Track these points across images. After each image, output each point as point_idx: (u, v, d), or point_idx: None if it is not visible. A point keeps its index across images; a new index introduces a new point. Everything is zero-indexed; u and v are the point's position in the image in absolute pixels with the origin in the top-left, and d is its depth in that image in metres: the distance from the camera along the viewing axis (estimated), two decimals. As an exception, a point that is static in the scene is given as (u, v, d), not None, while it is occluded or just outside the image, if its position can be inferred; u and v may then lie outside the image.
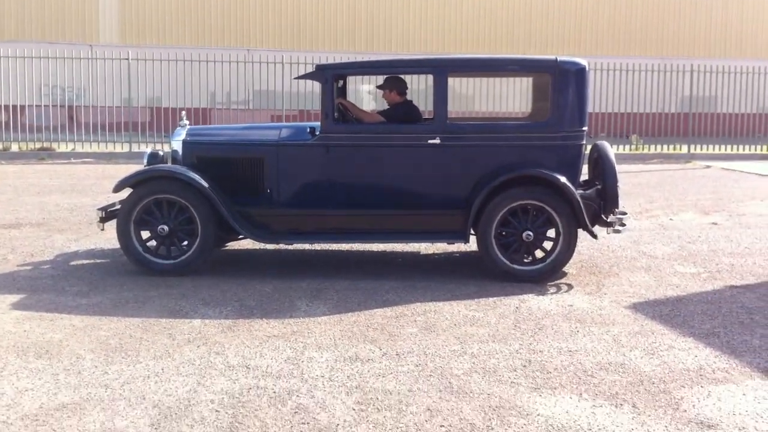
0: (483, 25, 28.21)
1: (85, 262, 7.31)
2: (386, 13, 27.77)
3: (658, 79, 22.10)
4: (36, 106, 20.26)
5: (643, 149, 21.24)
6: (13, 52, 20.20)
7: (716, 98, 22.59)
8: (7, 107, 20.26)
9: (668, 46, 28.77)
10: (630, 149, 21.11)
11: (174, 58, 20.28)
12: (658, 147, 21.44)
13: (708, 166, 18.40)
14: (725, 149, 21.37)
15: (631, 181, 14.63)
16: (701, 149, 21.31)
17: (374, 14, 27.72)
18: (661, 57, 26.37)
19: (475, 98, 22.81)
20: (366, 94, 22.49)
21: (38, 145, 19.47)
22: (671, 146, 21.58)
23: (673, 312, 5.77)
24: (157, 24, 26.83)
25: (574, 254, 7.18)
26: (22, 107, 20.44)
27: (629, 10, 28.77)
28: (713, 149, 21.37)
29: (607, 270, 7.12)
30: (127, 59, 20.03)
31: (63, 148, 19.55)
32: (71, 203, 10.91)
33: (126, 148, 19.78)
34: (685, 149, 21.25)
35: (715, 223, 9.75)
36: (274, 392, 4.12)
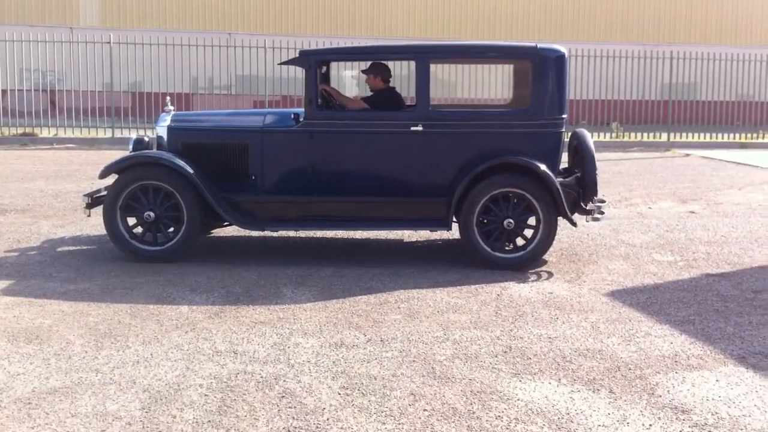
0: (466, 10, 28.28)
1: (71, 248, 7.37)
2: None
3: (639, 66, 22.29)
4: (18, 90, 20.16)
5: (623, 137, 21.43)
6: (-6, 35, 20.08)
7: (696, 85, 22.80)
8: (-13, 91, 20.16)
9: (649, 33, 28.95)
10: (610, 137, 21.29)
11: (156, 42, 20.21)
12: (639, 135, 21.65)
13: (687, 155, 18.62)
14: (705, 137, 21.60)
15: (611, 170, 14.80)
16: (681, 137, 21.52)
17: (357, -1, 27.71)
18: (642, 43, 26.53)
19: (458, 85, 22.90)
20: (349, 79, 22.52)
21: (20, 131, 19.39)
22: (651, 134, 21.79)
23: (650, 300, 5.91)
24: (138, 7, 26.69)
25: (555, 242, 7.31)
26: (3, 92, 20.33)
27: (610, -3, 28.91)
28: (693, 137, 21.58)
29: (587, 258, 7.26)
30: (109, 43, 19.95)
31: (45, 133, 19.49)
32: (56, 189, 10.93)
33: (109, 134, 19.74)
34: (664, 137, 21.47)
35: (693, 212, 9.92)
36: (262, 377, 4.23)
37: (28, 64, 20.39)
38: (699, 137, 21.62)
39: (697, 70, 22.36)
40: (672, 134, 21.53)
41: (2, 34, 20.11)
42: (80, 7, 26.53)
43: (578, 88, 21.80)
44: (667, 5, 29.27)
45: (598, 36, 28.26)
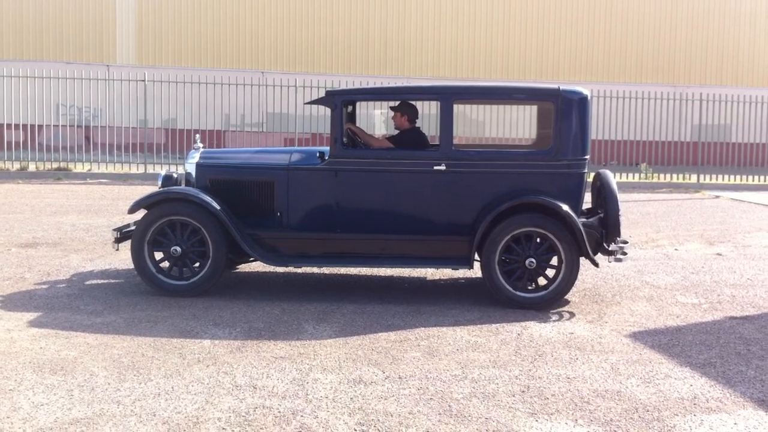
0: (495, 51, 28.48)
1: (100, 281, 7.50)
2: (399, 37, 28.09)
3: (669, 108, 22.26)
4: (53, 126, 20.61)
5: (652, 178, 21.36)
6: (32, 71, 20.57)
7: (727, 127, 22.71)
8: (24, 126, 20.61)
9: (680, 74, 28.93)
10: (640, 178, 21.22)
11: (189, 80, 20.59)
12: (668, 176, 21.56)
13: (717, 197, 18.49)
14: (735, 179, 21.47)
15: (639, 210, 14.75)
16: (711, 179, 21.41)
17: (387, 39, 28.04)
18: (673, 85, 26.53)
19: (483, 124, 23.01)
20: (378, 117, 22.73)
21: (55, 165, 19.77)
22: (681, 175, 21.69)
23: (671, 341, 5.89)
24: (173, 46, 27.23)
25: (578, 283, 7.33)
26: (40, 127, 20.78)
27: (640, 37, 28.98)
28: (723, 179, 21.47)
29: (610, 299, 7.25)
30: (143, 80, 20.37)
31: (79, 168, 19.85)
32: (87, 223, 11.13)
33: (141, 170, 20.06)
34: (694, 179, 21.36)
35: (720, 254, 9.86)
36: (279, 412, 4.28)
37: (65, 100, 20.87)
38: (729, 179, 21.50)
39: (728, 112, 22.29)
40: (702, 176, 21.42)
41: (40, 71, 20.61)
42: (117, 45, 27.12)
43: (608, 128, 21.84)
44: (699, 47, 29.27)
45: (629, 77, 28.32)
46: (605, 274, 8.26)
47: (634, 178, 20.97)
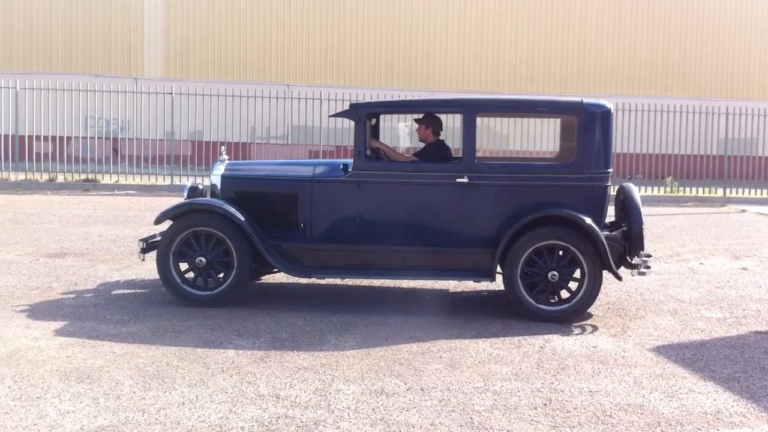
0: (521, 63, 28.47)
1: (126, 291, 7.59)
2: (424, 50, 28.17)
3: (696, 121, 22.12)
4: (82, 137, 20.87)
5: (678, 192, 21.22)
6: (61, 84, 20.86)
7: (754, 141, 22.53)
8: (53, 138, 20.88)
9: (706, 88, 28.76)
10: (665, 191, 21.10)
11: (216, 93, 20.79)
12: (694, 190, 21.42)
13: (743, 211, 18.34)
14: (762, 194, 21.29)
15: (665, 224, 14.66)
16: (737, 193, 21.25)
17: (413, 52, 28.13)
18: (699, 98, 26.36)
19: (507, 137, 23.00)
20: (402, 130, 22.79)
21: (83, 176, 20.01)
22: (707, 189, 21.54)
23: (696, 356, 5.86)
24: (200, 59, 27.50)
25: (602, 296, 7.31)
26: (68, 138, 21.05)
27: (667, 50, 28.85)
28: (749, 193, 21.29)
29: (634, 313, 7.22)
30: (171, 93, 20.59)
31: (107, 179, 20.08)
32: (114, 234, 11.26)
33: (168, 181, 20.25)
34: (720, 192, 21.21)
35: (746, 269, 9.79)
36: (302, 422, 4.31)
37: (93, 112, 21.14)
38: (756, 193, 21.32)
39: (755, 126, 22.12)
40: (728, 190, 21.27)
41: (69, 84, 20.90)
42: (144, 58, 27.43)
43: (634, 141, 21.74)
44: (725, 60, 29.08)
45: (656, 90, 28.20)
46: (629, 288, 8.23)
47: (659, 192, 20.86)
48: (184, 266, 7.05)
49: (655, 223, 14.45)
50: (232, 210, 6.91)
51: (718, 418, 4.55)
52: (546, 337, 6.26)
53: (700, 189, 21.46)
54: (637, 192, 7.26)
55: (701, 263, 10.15)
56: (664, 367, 5.56)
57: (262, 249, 6.86)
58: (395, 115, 18.91)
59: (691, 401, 4.84)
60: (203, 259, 6.91)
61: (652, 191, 20.68)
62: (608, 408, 4.68)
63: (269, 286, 8.03)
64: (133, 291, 7.61)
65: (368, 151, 7.06)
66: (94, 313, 6.67)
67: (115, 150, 21.56)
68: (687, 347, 6.11)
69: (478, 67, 28.42)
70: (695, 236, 13.02)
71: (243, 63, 27.68)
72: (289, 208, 7.12)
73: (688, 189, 21.45)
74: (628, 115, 21.60)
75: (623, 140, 21.64)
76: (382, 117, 8.07)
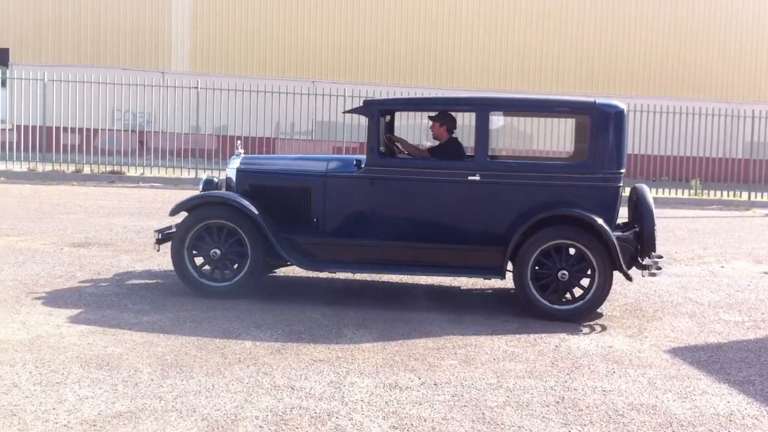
0: (547, 64, 28.36)
1: (147, 281, 7.69)
2: (448, 48, 28.14)
3: (721, 124, 21.94)
4: (108, 130, 21.08)
5: (702, 194, 21.07)
6: (89, 77, 21.07)
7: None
8: (81, 130, 21.10)
9: (733, 91, 28.47)
10: (689, 194, 20.96)
11: (241, 88, 20.92)
12: (718, 193, 21.25)
13: (768, 215, 18.20)
14: (788, 198, 21.07)
15: (687, 227, 14.59)
16: (762, 197, 21.04)
17: (436, 49, 28.10)
18: (726, 101, 26.14)
19: (521, 136, 22.95)
20: (419, 128, 22.81)
21: (109, 169, 20.21)
22: (731, 193, 21.36)
23: (711, 358, 5.86)
24: (226, 54, 27.64)
25: (620, 297, 7.31)
26: (95, 131, 21.25)
27: (693, 53, 28.62)
28: (775, 197, 21.08)
29: (651, 314, 7.22)
30: (197, 88, 20.75)
31: (132, 172, 20.27)
32: (138, 225, 11.39)
33: (192, 174, 20.40)
34: (745, 196, 21.03)
35: (767, 273, 9.73)
36: (315, 413, 4.37)
37: (120, 105, 21.33)
38: (782, 197, 21.10)
39: (781, 129, 21.89)
40: (753, 193, 21.07)
41: (97, 77, 21.11)
42: (172, 53, 27.62)
43: (659, 144, 21.61)
44: (752, 63, 28.79)
45: (682, 93, 27.97)
46: (648, 290, 8.22)
47: (683, 194, 20.72)
48: (198, 260, 7.14)
49: (678, 225, 14.39)
50: (246, 203, 6.99)
51: (730, 420, 4.56)
52: (562, 336, 6.28)
53: (725, 192, 21.29)
54: (650, 193, 7.26)
55: (722, 266, 10.10)
56: (679, 368, 5.56)
57: (275, 242, 6.93)
58: (412, 114, 18.96)
59: (704, 403, 4.85)
60: (218, 251, 7.00)
61: (677, 194, 20.55)
62: (621, 407, 4.70)
63: (288, 280, 8.10)
64: (154, 281, 7.71)
65: (381, 148, 7.12)
66: (115, 302, 6.77)
67: (141, 143, 21.74)
68: (703, 349, 6.10)
69: (501, 67, 28.34)
70: (718, 239, 12.94)
71: (268, 59, 27.81)
72: (302, 202, 7.19)
73: (712, 192, 21.29)
74: (653, 117, 21.47)
75: (649, 142, 21.52)
76: (397, 114, 8.11)
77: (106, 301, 6.77)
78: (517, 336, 6.22)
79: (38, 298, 6.75)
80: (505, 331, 6.35)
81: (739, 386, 5.20)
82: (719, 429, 4.41)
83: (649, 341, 6.26)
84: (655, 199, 7.49)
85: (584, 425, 4.39)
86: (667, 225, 14.00)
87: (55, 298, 6.79)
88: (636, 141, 20.54)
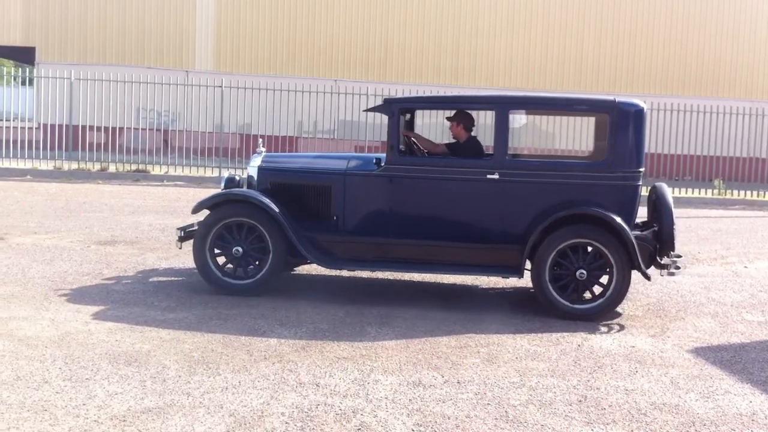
0: (570, 64, 28.28)
1: (173, 279, 7.80)
2: (472, 47, 28.13)
3: (746, 123, 21.78)
4: (133, 129, 21.28)
5: (726, 194, 20.92)
6: (114, 75, 21.27)
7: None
8: (106, 129, 21.30)
9: (757, 90, 28.22)
10: (713, 194, 20.83)
11: (264, 87, 21.05)
12: (743, 193, 21.10)
13: (793, 215, 18.04)
14: (813, 198, 20.87)
15: (711, 227, 14.51)
16: (788, 197, 20.87)
17: (460, 48, 28.10)
18: (750, 100, 25.93)
19: (541, 134, 22.91)
20: (440, 126, 22.82)
21: (134, 167, 20.39)
22: (756, 192, 21.20)
23: (734, 358, 5.86)
24: (249, 53, 27.80)
25: (642, 297, 7.31)
26: (120, 129, 21.45)
27: (717, 52, 28.41)
28: (801, 197, 20.89)
29: (674, 314, 7.22)
30: (221, 86, 20.90)
31: (157, 170, 20.44)
32: (163, 224, 11.52)
33: (216, 173, 20.54)
34: (769, 196, 20.87)
35: (792, 273, 9.68)
36: (340, 410, 4.44)
37: (145, 104, 21.52)
38: (808, 197, 20.90)
39: (807, 129, 21.70)
40: (778, 193, 20.91)
41: (122, 75, 21.31)
42: (196, 52, 27.81)
43: (683, 143, 21.49)
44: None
45: (705, 91, 27.77)
46: (671, 290, 8.21)
47: (706, 194, 20.59)
48: (221, 259, 7.23)
49: (701, 225, 14.32)
50: (267, 201, 7.06)
51: (753, 420, 4.57)
52: (584, 335, 6.31)
53: (749, 192, 21.14)
54: (670, 192, 7.26)
55: (746, 267, 10.06)
56: (701, 368, 5.57)
57: (295, 239, 7.00)
58: (432, 112, 19.01)
59: (726, 402, 4.87)
60: (240, 249, 7.08)
61: (700, 193, 20.43)
62: (643, 406, 4.73)
63: (312, 278, 8.18)
64: (180, 279, 7.81)
65: (401, 146, 7.17)
66: (142, 299, 6.88)
67: (166, 141, 21.92)
68: (726, 349, 6.11)
69: (524, 65, 28.29)
70: (741, 239, 12.87)
71: (291, 58, 27.92)
72: (322, 200, 7.25)
73: (736, 192, 21.15)
74: (677, 115, 21.36)
75: (672, 141, 21.41)
76: (418, 113, 8.15)
77: (133, 299, 6.87)
78: (539, 335, 6.25)
79: (66, 296, 6.86)
80: (527, 330, 6.38)
81: (761, 386, 5.21)
82: (742, 428, 4.43)
83: (671, 341, 6.27)
84: (678, 198, 7.49)
85: (607, 424, 4.42)
86: (690, 225, 13.94)
87: (82, 296, 6.90)
88: (659, 140, 20.47)
